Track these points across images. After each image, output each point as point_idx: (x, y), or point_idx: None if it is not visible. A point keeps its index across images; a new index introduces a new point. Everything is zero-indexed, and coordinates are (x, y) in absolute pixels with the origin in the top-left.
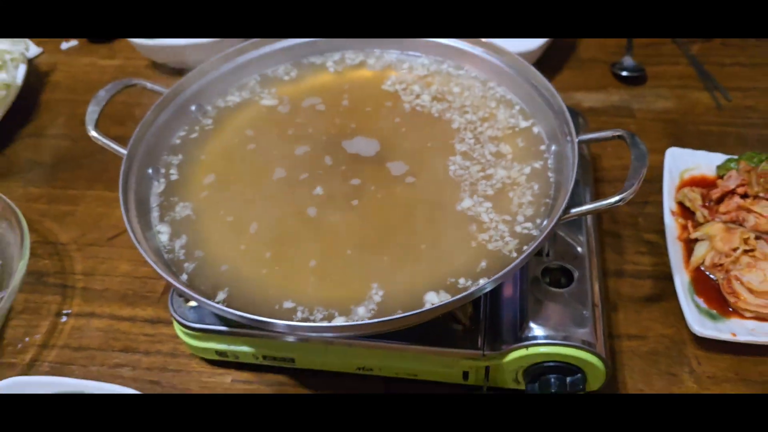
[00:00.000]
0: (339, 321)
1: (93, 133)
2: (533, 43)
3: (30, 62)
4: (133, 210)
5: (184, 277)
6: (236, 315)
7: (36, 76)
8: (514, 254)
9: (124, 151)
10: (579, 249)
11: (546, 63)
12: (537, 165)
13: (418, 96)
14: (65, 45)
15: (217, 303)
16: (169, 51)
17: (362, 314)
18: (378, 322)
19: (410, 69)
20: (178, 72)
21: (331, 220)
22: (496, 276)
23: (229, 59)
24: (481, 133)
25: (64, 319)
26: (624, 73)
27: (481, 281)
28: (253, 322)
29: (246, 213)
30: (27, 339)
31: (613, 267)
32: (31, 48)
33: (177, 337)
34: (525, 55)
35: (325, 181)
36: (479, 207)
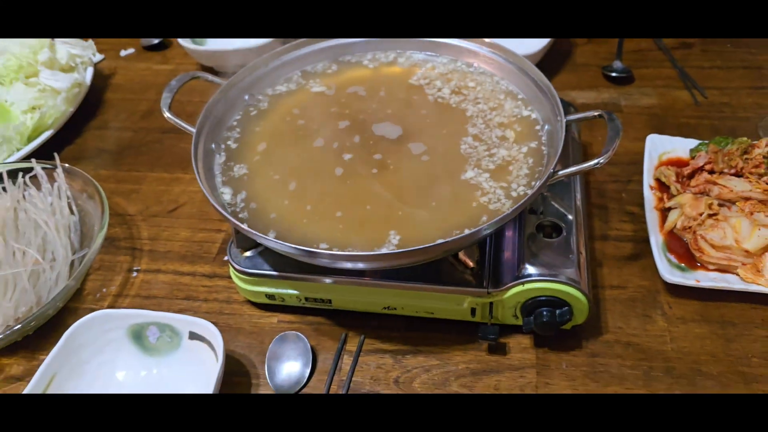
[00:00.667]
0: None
1: (167, 114)
2: (534, 47)
3: (95, 66)
4: (203, 174)
5: (245, 225)
6: (289, 246)
7: (100, 78)
8: (508, 205)
9: (192, 129)
10: (568, 212)
11: (545, 66)
12: (533, 144)
13: (439, 89)
14: (124, 52)
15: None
16: (216, 56)
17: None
18: (401, 252)
19: (433, 67)
20: (223, 74)
21: (355, 183)
22: (496, 219)
23: (276, 57)
24: (490, 120)
25: (134, 274)
26: (613, 74)
27: (483, 226)
28: (301, 252)
29: (288, 173)
30: (104, 290)
31: (599, 232)
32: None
33: (231, 288)
34: (527, 58)
35: (354, 151)
36: (480, 177)
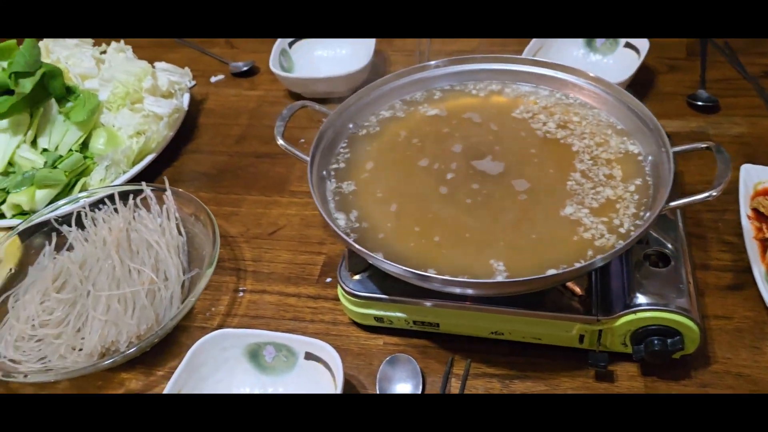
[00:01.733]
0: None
1: (281, 142)
2: (620, 77)
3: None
4: (320, 201)
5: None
6: (405, 270)
7: (193, 104)
8: (620, 243)
9: (306, 157)
10: (671, 243)
11: None
12: (638, 181)
13: (545, 123)
14: (214, 78)
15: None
16: (304, 83)
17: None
18: (516, 281)
19: (535, 101)
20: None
21: (456, 209)
22: (614, 250)
23: (377, 87)
24: (597, 156)
25: (241, 294)
26: (699, 103)
27: (598, 257)
28: (416, 276)
29: (393, 194)
30: (213, 309)
31: (699, 261)
32: None
33: (336, 310)
34: None
35: (457, 177)
36: (579, 212)
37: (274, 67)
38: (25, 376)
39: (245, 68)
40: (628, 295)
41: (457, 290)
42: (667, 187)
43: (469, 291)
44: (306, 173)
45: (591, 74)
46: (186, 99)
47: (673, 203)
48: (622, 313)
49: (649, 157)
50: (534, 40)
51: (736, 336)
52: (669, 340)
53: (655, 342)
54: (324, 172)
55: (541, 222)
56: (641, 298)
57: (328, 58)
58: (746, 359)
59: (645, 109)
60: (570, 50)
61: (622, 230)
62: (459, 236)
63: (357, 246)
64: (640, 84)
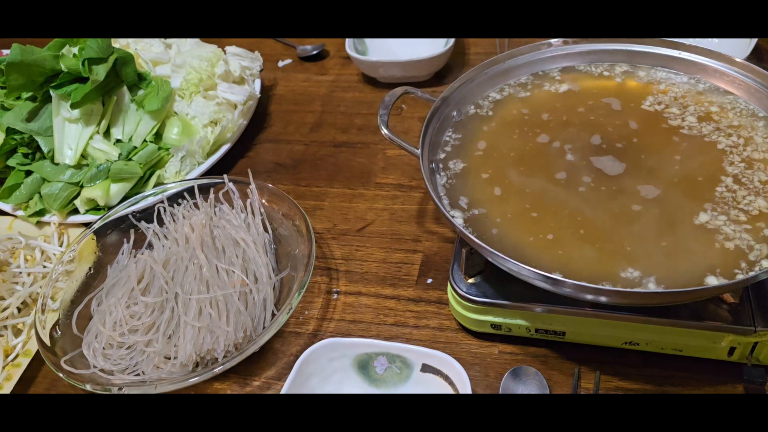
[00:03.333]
0: (650, 287)
1: (385, 131)
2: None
3: None
4: (438, 198)
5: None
6: (544, 276)
7: (262, 90)
8: None
9: (417, 151)
10: None
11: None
12: None
13: (681, 117)
14: (281, 63)
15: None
16: (380, 66)
17: (651, 287)
18: (668, 292)
19: (666, 89)
20: (386, 86)
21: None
22: None
23: (481, 71)
24: (748, 157)
25: (335, 296)
26: None
27: (764, 262)
28: (551, 281)
29: (509, 186)
30: (306, 312)
31: None
32: None
33: (442, 314)
34: None
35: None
36: (716, 220)
37: (349, 49)
38: (120, 389)
39: (314, 52)
40: None
41: (590, 297)
42: None
43: (613, 299)
44: (419, 165)
45: (727, 55)
46: (258, 85)
47: None
48: None
49: None
50: None
51: None
52: None
53: None
54: (432, 165)
55: (673, 230)
56: None
57: (402, 41)
58: None
59: None
60: None
61: None
62: (579, 235)
63: (491, 250)
64: (762, 55)
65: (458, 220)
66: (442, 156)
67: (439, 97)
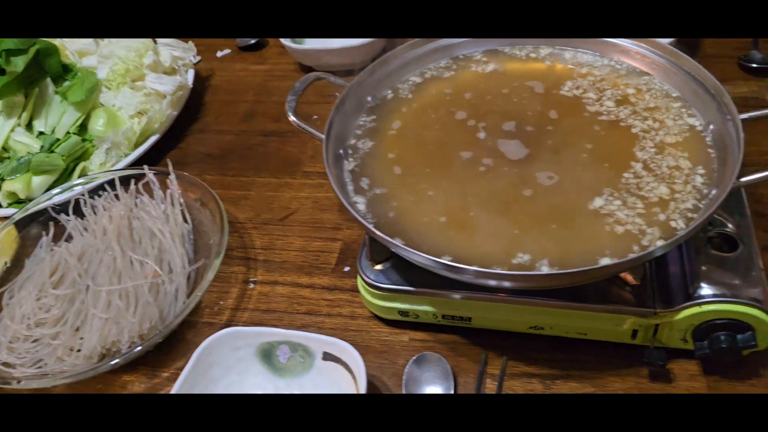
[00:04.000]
0: (542, 269)
1: (293, 118)
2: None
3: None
4: (338, 185)
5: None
6: (438, 263)
7: (198, 80)
8: (681, 224)
9: (321, 135)
10: (737, 222)
11: None
12: (702, 171)
13: (600, 102)
14: (220, 53)
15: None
16: (316, 54)
17: (544, 270)
18: (561, 273)
19: (583, 71)
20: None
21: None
22: (677, 236)
23: (397, 57)
24: (661, 142)
25: (251, 286)
26: (754, 65)
27: (658, 243)
28: (448, 268)
29: (420, 177)
30: (221, 302)
31: (761, 243)
32: None
33: (354, 302)
34: None
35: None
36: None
37: (284, 39)
38: (19, 381)
39: (252, 41)
40: (691, 285)
41: (493, 283)
42: (737, 160)
43: (510, 284)
44: (321, 152)
45: (643, 38)
46: (191, 75)
47: (745, 179)
48: (684, 305)
49: (711, 126)
50: None
51: None
52: (739, 336)
53: (722, 338)
54: (341, 151)
55: (565, 215)
56: (706, 288)
57: None
58: None
59: (705, 72)
60: None
61: (677, 216)
62: (468, 218)
63: (380, 234)
64: (684, 45)
65: (360, 205)
66: (353, 141)
67: (351, 82)
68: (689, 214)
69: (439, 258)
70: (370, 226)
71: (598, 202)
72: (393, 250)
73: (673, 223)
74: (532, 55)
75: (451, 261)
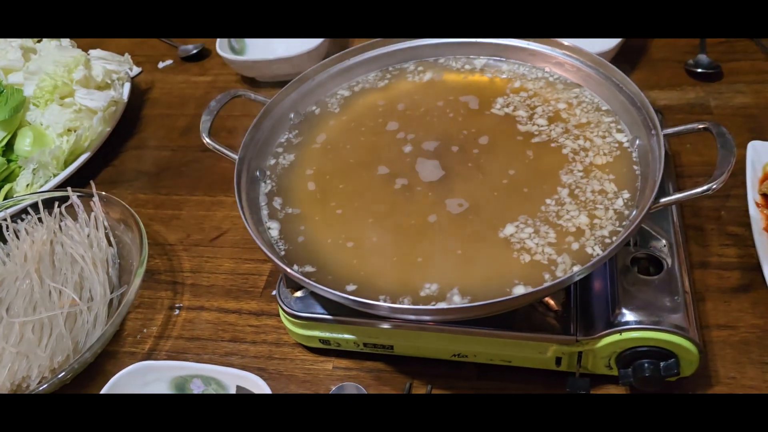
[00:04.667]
0: (442, 304)
1: (207, 140)
2: (607, 45)
3: (131, 80)
4: (247, 208)
5: (296, 268)
6: (350, 300)
7: (137, 93)
8: (598, 251)
9: (235, 156)
10: (665, 241)
11: (618, 62)
12: (626, 195)
13: (533, 121)
14: (161, 64)
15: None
16: (256, 66)
17: (458, 301)
18: (473, 306)
19: (521, 82)
20: (267, 86)
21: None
22: (593, 261)
23: (321, 71)
24: (590, 163)
25: (176, 312)
26: (699, 70)
27: (575, 268)
28: (361, 305)
29: (339, 201)
30: (144, 330)
31: (698, 259)
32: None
33: (281, 328)
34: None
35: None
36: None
37: (221, 50)
38: None
39: (194, 51)
40: (612, 311)
41: (410, 317)
42: (656, 179)
43: (423, 318)
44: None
45: (566, 43)
46: (126, 89)
47: (663, 200)
48: (605, 332)
49: (637, 141)
50: None
51: (741, 350)
52: (662, 364)
53: (646, 366)
54: (257, 173)
55: (471, 243)
56: (628, 315)
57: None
58: (755, 378)
59: (631, 84)
60: None
61: (593, 243)
62: (372, 243)
63: (285, 268)
64: (630, 49)
65: (273, 231)
66: (272, 161)
67: (270, 100)
68: (607, 240)
69: (342, 292)
70: (276, 260)
71: (509, 229)
72: (300, 283)
73: (589, 250)
74: (467, 66)
75: (355, 290)
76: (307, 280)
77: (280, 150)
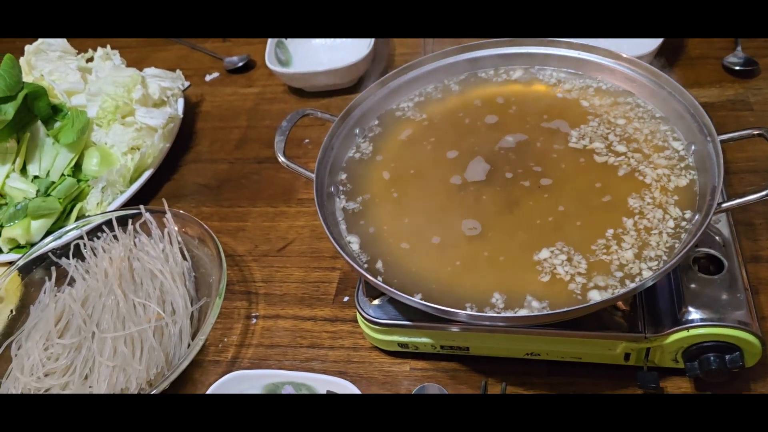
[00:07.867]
0: (522, 311)
1: (282, 160)
2: (647, 47)
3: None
4: (330, 226)
5: (380, 279)
6: (431, 308)
7: (188, 107)
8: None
9: (312, 175)
10: (721, 239)
11: (656, 64)
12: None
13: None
14: (208, 77)
15: (416, 299)
16: (303, 77)
17: (536, 306)
18: (551, 314)
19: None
20: (313, 95)
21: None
22: (664, 268)
23: (384, 85)
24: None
25: (254, 321)
26: (737, 68)
27: (645, 274)
28: (441, 312)
29: (411, 210)
30: (225, 339)
31: (749, 253)
32: None
33: (356, 333)
34: (641, 59)
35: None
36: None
37: (270, 62)
38: None
39: (240, 63)
40: (679, 309)
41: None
42: (717, 186)
43: (504, 324)
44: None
45: (624, 55)
46: (180, 105)
47: (726, 204)
48: (673, 329)
49: (692, 147)
50: None
51: None
52: (727, 357)
53: (712, 359)
54: (332, 188)
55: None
56: (693, 313)
57: (327, 45)
58: None
59: (686, 94)
60: None
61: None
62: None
63: (371, 278)
64: (668, 48)
65: (353, 246)
66: (344, 177)
67: (338, 116)
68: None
69: (428, 302)
70: (366, 274)
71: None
72: (395, 297)
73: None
74: (539, 76)
75: (433, 297)
76: (404, 295)
77: (349, 167)
